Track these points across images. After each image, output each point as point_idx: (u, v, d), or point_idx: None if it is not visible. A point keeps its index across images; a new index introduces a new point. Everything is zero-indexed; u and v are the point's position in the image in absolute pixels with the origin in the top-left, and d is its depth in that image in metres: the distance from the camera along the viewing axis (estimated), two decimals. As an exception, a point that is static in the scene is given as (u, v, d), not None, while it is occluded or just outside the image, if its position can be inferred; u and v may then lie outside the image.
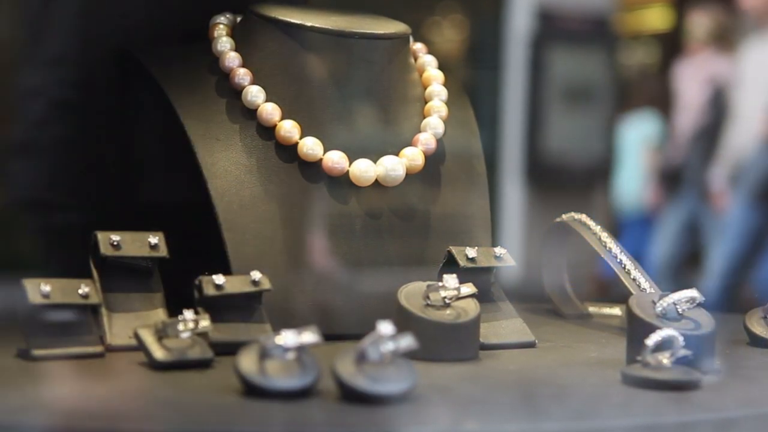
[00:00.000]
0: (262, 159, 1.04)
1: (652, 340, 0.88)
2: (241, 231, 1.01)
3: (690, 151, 4.17)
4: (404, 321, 0.92)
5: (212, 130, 1.04)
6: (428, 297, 0.94)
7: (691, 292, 0.95)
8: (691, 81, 4.36)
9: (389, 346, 0.79)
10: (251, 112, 1.05)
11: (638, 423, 0.80)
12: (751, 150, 3.71)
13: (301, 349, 0.79)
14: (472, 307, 0.95)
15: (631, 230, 5.04)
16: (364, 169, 1.04)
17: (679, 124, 4.41)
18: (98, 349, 0.90)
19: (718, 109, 4.05)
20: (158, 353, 0.86)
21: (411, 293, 0.95)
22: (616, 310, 1.23)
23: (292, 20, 1.07)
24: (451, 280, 0.95)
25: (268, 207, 1.02)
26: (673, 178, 4.32)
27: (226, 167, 1.03)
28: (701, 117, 4.16)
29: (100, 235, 0.96)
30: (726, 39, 4.38)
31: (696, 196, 4.15)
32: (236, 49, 1.08)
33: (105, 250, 0.95)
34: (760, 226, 3.72)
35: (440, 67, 1.15)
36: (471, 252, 1.02)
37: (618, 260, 1.10)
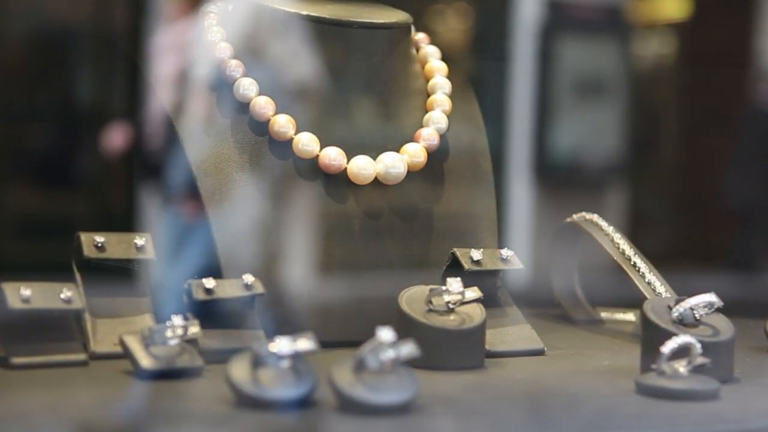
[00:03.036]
0: (255, 156, 1.04)
1: (667, 348, 0.87)
2: (233, 232, 1.01)
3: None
4: (405, 327, 0.92)
5: (202, 125, 1.04)
6: (431, 302, 0.94)
7: (709, 297, 0.95)
8: (167, 51, 3.78)
9: (389, 354, 0.79)
10: (243, 106, 1.05)
11: (653, 435, 0.80)
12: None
13: (296, 356, 0.79)
14: (477, 313, 0.95)
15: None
16: (362, 167, 1.04)
17: (154, 103, 3.67)
18: (81, 356, 0.90)
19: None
20: (145, 361, 0.86)
21: (413, 298, 0.95)
22: (630, 316, 1.23)
23: (287, 8, 1.07)
24: (455, 283, 0.95)
25: (261, 206, 1.02)
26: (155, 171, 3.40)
27: (217, 164, 1.03)
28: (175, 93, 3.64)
29: (84, 236, 0.95)
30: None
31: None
32: (227, 40, 1.08)
33: (88, 252, 0.95)
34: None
35: (444, 59, 1.15)
36: (476, 254, 1.02)
37: (632, 263, 1.10)
